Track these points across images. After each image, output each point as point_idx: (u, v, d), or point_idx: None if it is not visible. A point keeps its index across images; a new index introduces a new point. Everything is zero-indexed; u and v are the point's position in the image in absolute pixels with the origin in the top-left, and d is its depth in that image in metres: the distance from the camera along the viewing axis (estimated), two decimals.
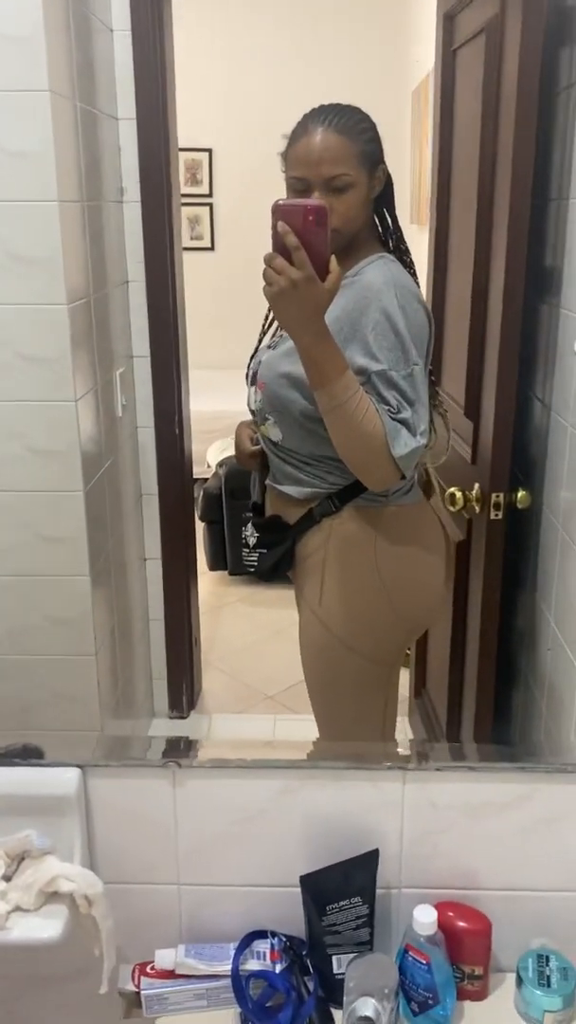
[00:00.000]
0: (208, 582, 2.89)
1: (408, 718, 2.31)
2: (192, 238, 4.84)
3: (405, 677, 2.25)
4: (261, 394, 1.46)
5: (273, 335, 1.52)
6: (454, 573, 1.66)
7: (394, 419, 1.32)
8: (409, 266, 1.45)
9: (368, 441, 1.31)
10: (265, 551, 1.53)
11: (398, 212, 1.47)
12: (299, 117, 1.35)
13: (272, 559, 1.52)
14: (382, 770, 1.12)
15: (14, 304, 1.65)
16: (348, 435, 1.32)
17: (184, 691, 2.38)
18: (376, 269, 1.38)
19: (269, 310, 1.49)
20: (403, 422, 1.33)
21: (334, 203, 1.29)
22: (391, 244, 1.46)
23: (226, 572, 2.98)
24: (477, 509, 1.68)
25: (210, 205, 4.90)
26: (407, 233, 1.48)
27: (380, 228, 1.45)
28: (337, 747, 1.26)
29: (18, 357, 1.67)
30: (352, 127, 1.33)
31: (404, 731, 2.27)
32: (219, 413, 2.66)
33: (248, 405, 1.54)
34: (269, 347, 1.50)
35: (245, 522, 1.56)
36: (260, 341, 1.53)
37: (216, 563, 3.02)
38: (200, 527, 2.94)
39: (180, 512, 2.30)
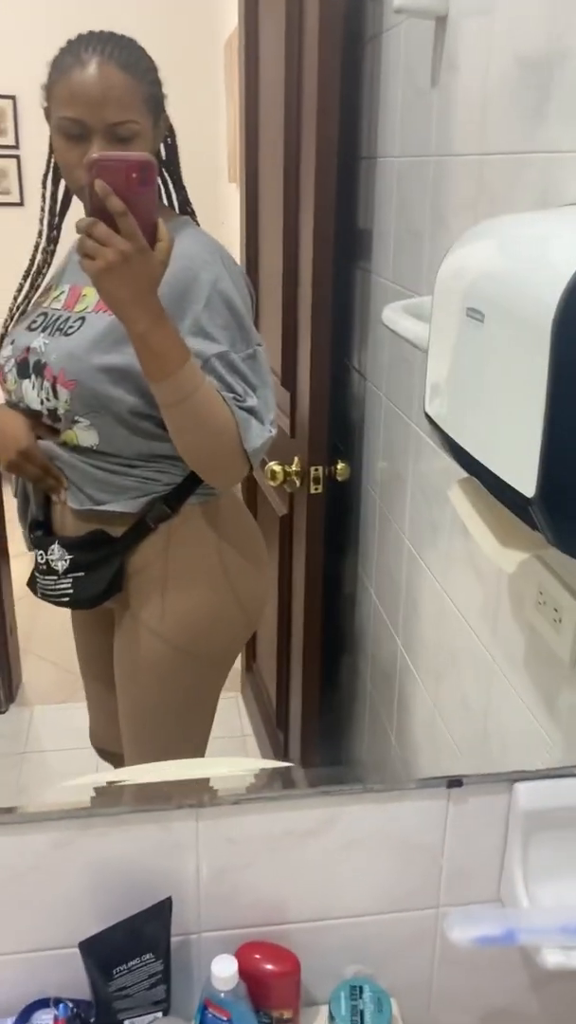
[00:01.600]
0: (25, 564, 2.72)
1: (240, 693, 2.27)
2: None
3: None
4: (69, 393, 1.18)
5: (27, 314, 1.28)
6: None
7: (241, 408, 1.16)
8: None
9: (218, 436, 1.15)
10: (82, 574, 1.28)
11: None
12: None
13: (100, 583, 1.27)
14: (171, 810, 0.98)
15: None
16: (196, 432, 1.15)
17: (1, 684, 2.23)
18: (189, 236, 1.17)
19: (27, 280, 1.27)
20: (251, 411, 1.17)
21: None
22: (175, 206, 1.26)
23: None
24: (297, 483, 1.63)
25: (17, 157, 4.59)
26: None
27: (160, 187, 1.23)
28: (119, 791, 1.10)
29: None
30: (135, 64, 1.12)
31: (237, 707, 2.22)
32: None
33: (27, 404, 1.24)
34: (34, 328, 1.24)
35: (38, 545, 1.31)
36: (11, 320, 1.28)
37: None
38: (13, 505, 2.76)
39: None
